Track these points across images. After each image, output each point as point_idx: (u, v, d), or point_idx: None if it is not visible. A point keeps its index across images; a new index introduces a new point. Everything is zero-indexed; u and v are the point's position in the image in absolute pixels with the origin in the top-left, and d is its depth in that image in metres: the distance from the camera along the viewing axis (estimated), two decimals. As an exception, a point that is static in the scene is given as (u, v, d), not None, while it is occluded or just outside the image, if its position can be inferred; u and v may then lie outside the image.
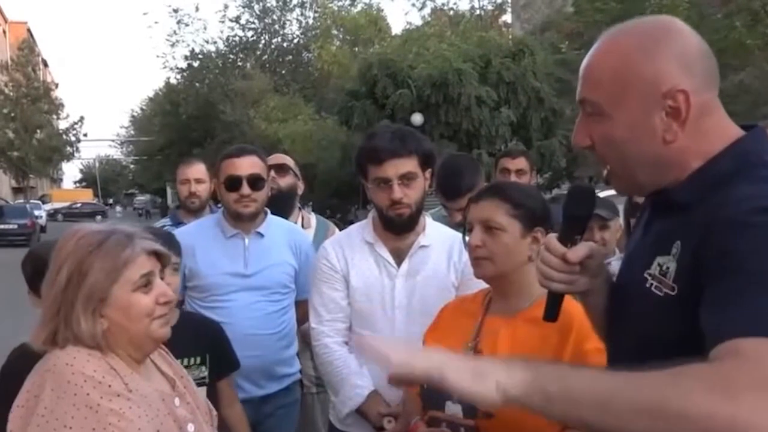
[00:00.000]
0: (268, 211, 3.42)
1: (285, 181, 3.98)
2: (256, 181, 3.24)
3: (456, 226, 3.22)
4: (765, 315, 1.14)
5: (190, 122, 36.11)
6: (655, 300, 1.38)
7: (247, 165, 3.25)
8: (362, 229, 2.92)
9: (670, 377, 1.12)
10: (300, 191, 4.11)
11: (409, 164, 2.71)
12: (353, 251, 2.86)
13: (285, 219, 3.83)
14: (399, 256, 2.82)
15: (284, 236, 3.40)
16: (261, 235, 3.31)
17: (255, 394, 3.22)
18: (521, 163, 4.35)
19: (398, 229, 2.80)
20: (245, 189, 3.21)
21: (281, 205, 3.85)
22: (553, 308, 1.66)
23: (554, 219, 2.23)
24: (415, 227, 2.83)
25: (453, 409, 2.11)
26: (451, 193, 3.67)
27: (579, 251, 1.56)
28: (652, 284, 1.39)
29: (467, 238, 2.23)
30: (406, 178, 2.71)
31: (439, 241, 2.85)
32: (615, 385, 1.17)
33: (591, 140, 1.48)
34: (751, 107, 12.26)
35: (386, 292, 2.78)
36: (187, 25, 40.69)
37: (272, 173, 3.86)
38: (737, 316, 1.16)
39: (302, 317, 3.52)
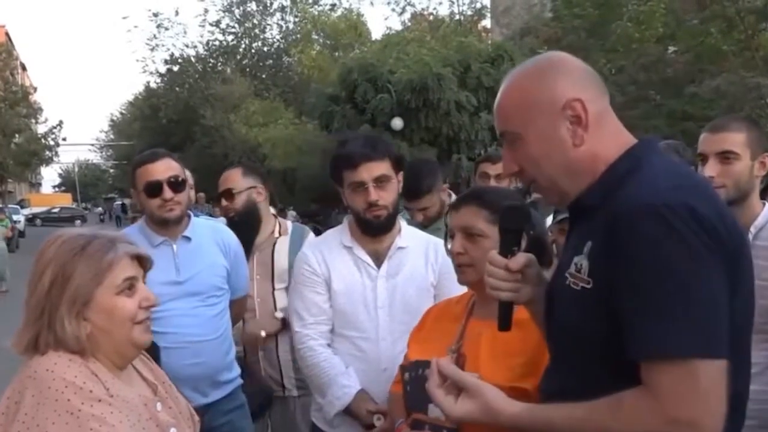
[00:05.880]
0: (191, 214, 3.35)
1: (238, 202, 3.87)
2: (176, 184, 3.13)
3: (417, 226, 3.44)
4: (667, 336, 1.37)
5: (170, 127, 35.98)
6: (572, 294, 1.56)
7: (163, 168, 3.14)
8: (339, 234, 2.97)
9: (619, 414, 1.42)
10: (261, 198, 3.94)
11: (383, 167, 2.81)
12: (332, 255, 2.91)
13: (255, 235, 3.84)
14: (378, 258, 2.88)
15: (211, 237, 3.33)
16: (188, 239, 3.23)
17: (200, 402, 3.06)
18: (501, 168, 4.38)
19: (376, 231, 2.87)
20: (167, 193, 3.11)
21: (245, 225, 3.81)
22: (505, 319, 1.82)
23: (535, 222, 2.26)
24: (392, 229, 2.90)
25: (436, 412, 2.12)
26: (412, 194, 3.91)
27: (519, 260, 1.77)
28: (570, 281, 1.57)
29: (449, 245, 2.25)
30: (381, 181, 2.80)
31: (415, 242, 2.93)
32: (570, 413, 1.49)
33: (517, 165, 1.68)
34: (727, 112, 12.39)
35: (368, 293, 2.84)
36: (166, 29, 40.40)
37: (223, 201, 3.87)
38: (647, 339, 1.39)
39: (236, 317, 3.52)
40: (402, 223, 3.00)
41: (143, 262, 1.91)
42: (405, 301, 2.79)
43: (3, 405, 1.70)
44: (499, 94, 1.71)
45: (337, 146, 3.01)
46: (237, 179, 3.91)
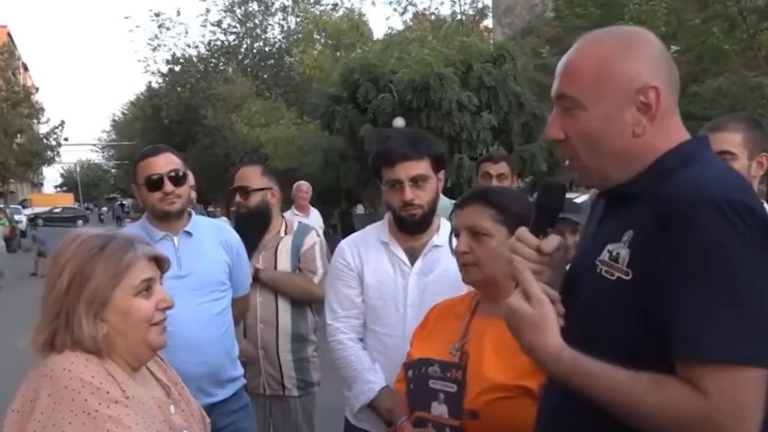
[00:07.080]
0: (193, 212, 3.37)
1: (252, 201, 3.90)
2: (176, 178, 3.17)
3: None
4: (719, 336, 1.30)
5: (171, 127, 36.00)
6: (606, 284, 1.48)
7: (164, 162, 3.17)
8: (378, 230, 3.02)
9: (660, 391, 1.35)
10: (275, 200, 3.97)
11: (421, 167, 2.82)
12: (368, 250, 2.96)
13: (262, 235, 3.86)
14: (413, 255, 2.91)
15: (213, 234, 3.35)
16: (189, 234, 3.25)
17: (205, 402, 2.99)
18: (503, 167, 4.41)
19: (411, 229, 2.90)
20: (168, 186, 3.13)
21: (255, 223, 3.85)
22: None
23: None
24: (428, 227, 2.93)
25: (439, 410, 2.14)
26: None
27: (551, 242, 1.64)
28: (602, 269, 1.49)
29: (454, 244, 2.27)
30: (418, 180, 2.82)
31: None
32: (623, 377, 1.38)
33: (565, 134, 1.58)
34: (729, 111, 12.39)
35: (399, 289, 2.87)
36: (168, 29, 40.60)
37: (237, 196, 3.90)
38: (700, 338, 1.32)
39: (238, 316, 3.52)
40: (441, 221, 3.02)
41: (161, 263, 1.92)
42: (436, 299, 2.74)
43: (18, 403, 1.71)
44: (573, 52, 1.58)
45: (380, 141, 3.02)
46: (255, 178, 3.95)
